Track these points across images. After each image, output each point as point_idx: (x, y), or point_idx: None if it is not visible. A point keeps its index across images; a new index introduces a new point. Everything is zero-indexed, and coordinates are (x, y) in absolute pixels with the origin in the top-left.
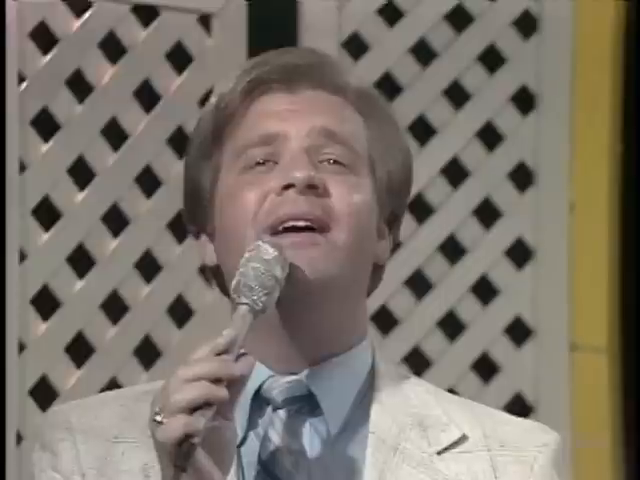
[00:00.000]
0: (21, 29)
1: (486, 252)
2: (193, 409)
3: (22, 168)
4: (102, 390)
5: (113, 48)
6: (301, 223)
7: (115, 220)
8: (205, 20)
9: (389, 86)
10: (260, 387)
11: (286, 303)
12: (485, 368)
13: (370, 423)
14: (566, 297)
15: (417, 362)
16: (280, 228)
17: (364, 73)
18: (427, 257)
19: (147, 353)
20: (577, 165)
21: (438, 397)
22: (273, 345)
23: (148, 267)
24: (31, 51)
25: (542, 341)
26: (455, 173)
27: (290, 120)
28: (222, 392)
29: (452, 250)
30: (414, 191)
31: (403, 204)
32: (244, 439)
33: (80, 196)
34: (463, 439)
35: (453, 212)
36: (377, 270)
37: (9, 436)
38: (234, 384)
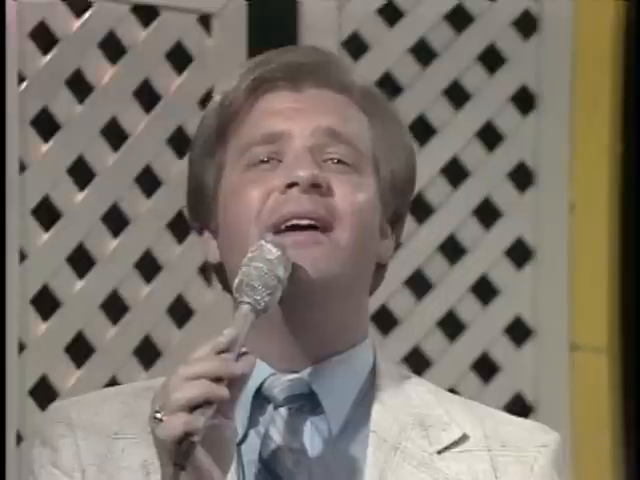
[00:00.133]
0: (21, 29)
1: (486, 252)
2: (193, 407)
3: (22, 168)
4: None
5: (113, 48)
6: (304, 222)
7: (115, 220)
8: (205, 20)
9: (389, 86)
10: (261, 385)
11: (289, 302)
12: (485, 368)
13: (371, 422)
14: (566, 297)
15: (417, 362)
16: (283, 226)
17: (364, 73)
18: (427, 257)
19: (147, 353)
20: (577, 165)
21: (439, 397)
22: (275, 343)
23: (148, 267)
24: (31, 51)
25: (542, 341)
26: (455, 173)
27: (294, 119)
28: (222, 391)
29: (452, 250)
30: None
31: (406, 203)
32: (245, 437)
33: (80, 196)
34: (464, 439)
35: (453, 212)
36: (380, 269)
37: (9, 436)
38: (235, 383)
